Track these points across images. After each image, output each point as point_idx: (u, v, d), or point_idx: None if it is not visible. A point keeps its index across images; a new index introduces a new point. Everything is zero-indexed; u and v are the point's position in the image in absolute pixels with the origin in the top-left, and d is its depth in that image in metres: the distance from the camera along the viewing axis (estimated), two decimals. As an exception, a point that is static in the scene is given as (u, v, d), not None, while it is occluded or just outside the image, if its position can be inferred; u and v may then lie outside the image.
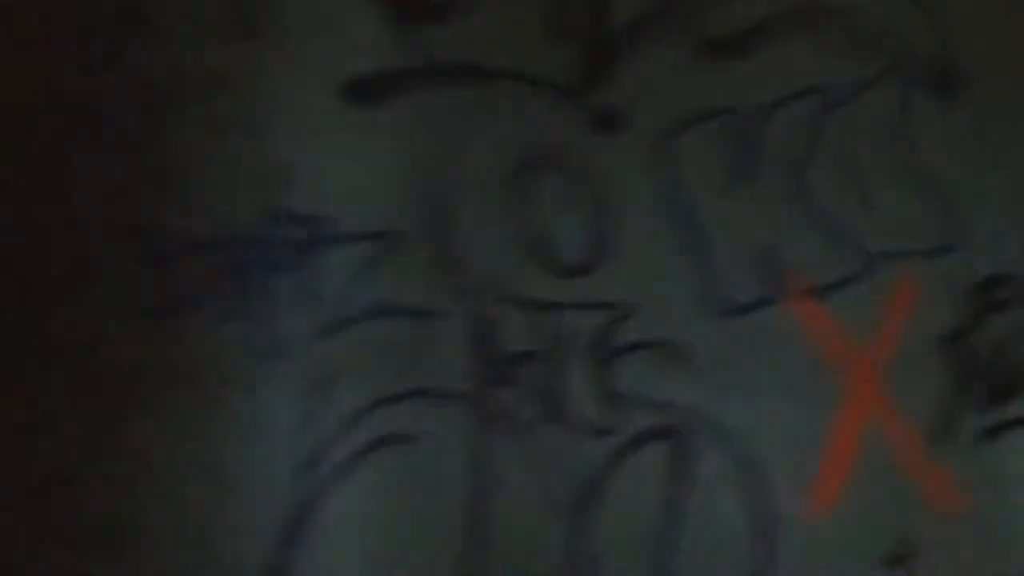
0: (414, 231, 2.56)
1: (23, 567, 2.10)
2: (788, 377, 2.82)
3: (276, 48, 2.51)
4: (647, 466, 2.66)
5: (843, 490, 2.86)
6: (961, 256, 3.04)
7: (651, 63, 2.72)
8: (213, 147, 2.44)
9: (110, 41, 2.40)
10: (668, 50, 2.73)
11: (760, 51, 2.80)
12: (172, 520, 2.32)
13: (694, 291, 2.74)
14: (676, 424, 2.69)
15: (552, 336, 2.61)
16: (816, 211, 2.88)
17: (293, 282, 2.48)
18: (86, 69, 2.38)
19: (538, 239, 2.63)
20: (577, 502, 2.60)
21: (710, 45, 2.76)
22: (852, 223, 2.92)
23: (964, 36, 3.04)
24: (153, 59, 2.42)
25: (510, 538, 2.54)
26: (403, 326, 2.53)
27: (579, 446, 2.60)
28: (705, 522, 2.70)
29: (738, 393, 2.76)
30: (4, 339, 2.15)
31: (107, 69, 2.39)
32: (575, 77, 2.69)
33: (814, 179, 2.87)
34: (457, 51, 2.62)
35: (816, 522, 2.83)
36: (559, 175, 2.64)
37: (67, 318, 2.27)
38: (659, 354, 2.69)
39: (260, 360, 2.42)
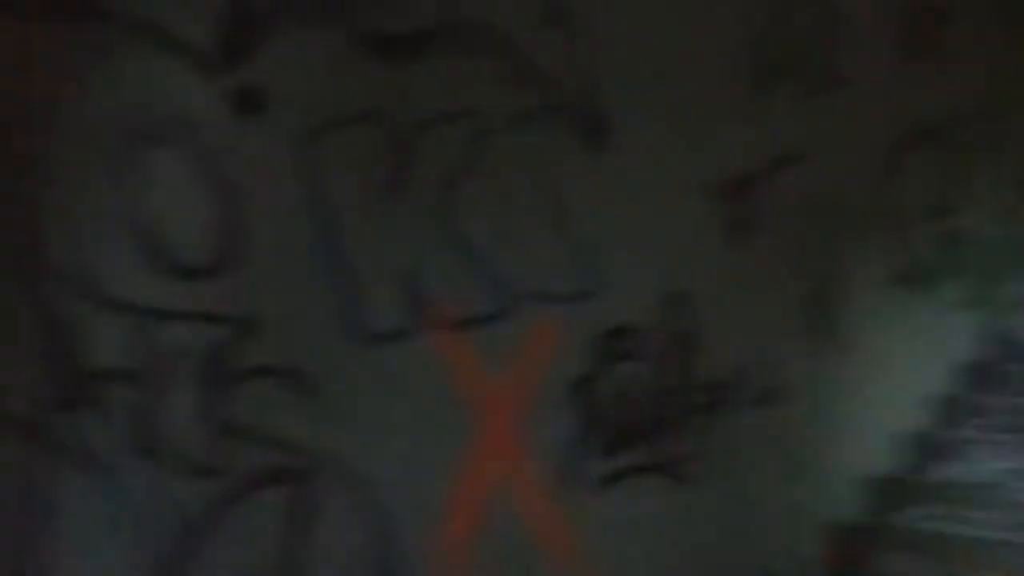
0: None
1: None
2: (424, 415, 2.58)
3: None
4: (261, 513, 2.23)
5: (472, 532, 2.66)
6: (597, 303, 3.06)
7: (300, 47, 2.37)
8: None
9: None
10: (321, 35, 2.41)
11: (426, 58, 2.60)
12: None
13: (331, 312, 2.41)
14: (298, 464, 2.31)
15: (153, 350, 2.10)
16: (464, 241, 2.72)
17: None
18: None
19: (147, 226, 2.11)
20: (170, 557, 2.08)
21: (373, 40, 2.49)
22: (499, 259, 2.80)
23: (612, 84, 3.12)
24: None
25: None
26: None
27: (177, 488, 2.10)
28: (329, 570, 2.34)
29: (370, 430, 2.45)
30: None
31: None
32: (212, 49, 2.26)
33: (464, 208, 2.71)
34: None
35: (445, 563, 2.59)
36: (187, 153, 2.17)
37: None
38: (285, 382, 2.30)
39: None
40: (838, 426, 4.07)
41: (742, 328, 3.60)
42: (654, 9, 3.25)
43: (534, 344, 2.88)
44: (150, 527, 2.05)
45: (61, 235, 1.99)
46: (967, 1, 5.09)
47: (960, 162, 4.96)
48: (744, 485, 3.56)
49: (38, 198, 1.97)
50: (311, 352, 2.34)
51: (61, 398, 1.97)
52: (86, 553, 1.98)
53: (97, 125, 2.06)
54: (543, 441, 2.89)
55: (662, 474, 3.28)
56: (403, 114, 2.57)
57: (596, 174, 3.09)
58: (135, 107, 2.11)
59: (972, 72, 5.06)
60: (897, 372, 4.47)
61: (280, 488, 2.27)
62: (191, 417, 2.13)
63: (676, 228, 3.38)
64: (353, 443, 2.41)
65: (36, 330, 1.97)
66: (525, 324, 2.86)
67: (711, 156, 3.53)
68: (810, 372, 3.90)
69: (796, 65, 3.94)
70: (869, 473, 4.28)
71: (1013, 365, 5.07)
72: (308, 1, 2.40)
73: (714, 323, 3.46)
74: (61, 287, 1.99)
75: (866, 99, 4.36)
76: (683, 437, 3.36)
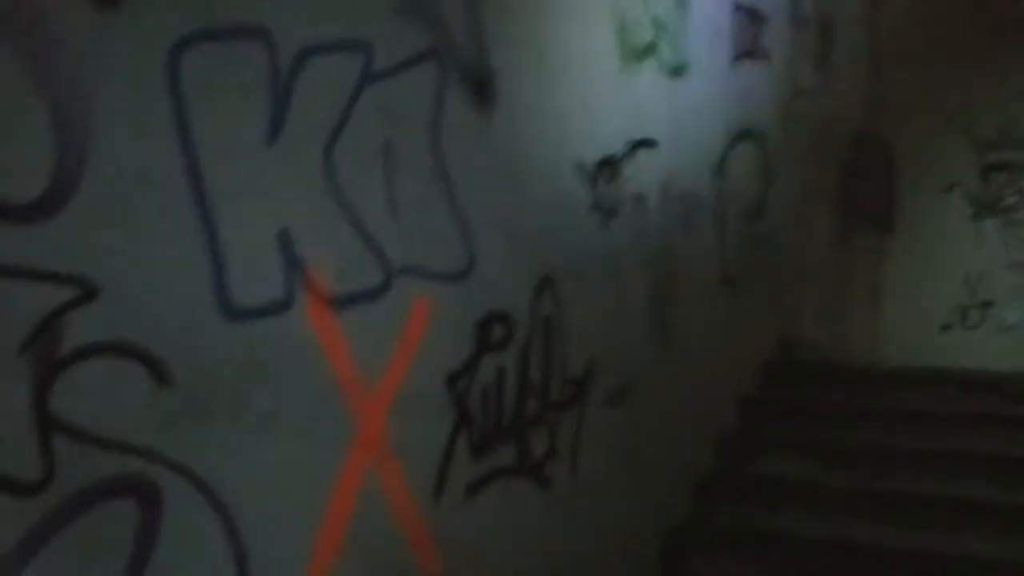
0: None
1: None
2: (295, 409, 2.09)
3: None
4: (94, 537, 1.65)
5: (339, 552, 2.21)
6: (473, 285, 2.70)
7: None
8: None
9: None
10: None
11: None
12: None
13: (189, 276, 1.85)
14: (142, 474, 1.74)
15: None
16: (342, 200, 2.25)
17: None
18: None
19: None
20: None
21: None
22: (377, 225, 2.35)
23: (499, 39, 2.77)
24: None
25: None
26: None
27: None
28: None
29: (233, 429, 1.93)
30: None
31: None
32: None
33: (342, 161, 2.24)
34: None
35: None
36: (23, 46, 1.54)
37: None
38: (125, 365, 1.73)
39: None
40: (672, 425, 4.00)
41: (598, 322, 3.39)
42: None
43: (410, 328, 2.47)
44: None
45: None
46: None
47: (771, 165, 5.12)
48: (593, 489, 3.35)
49: None
50: (163, 330, 1.78)
51: None
52: None
53: None
54: (416, 443, 2.49)
55: (526, 478, 2.99)
56: (288, 35, 2.05)
57: (481, 138, 2.73)
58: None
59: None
60: (718, 371, 4.51)
61: (119, 505, 1.70)
62: (3, 413, 1.52)
63: (549, 208, 3.10)
64: (211, 445, 1.87)
65: None
66: (402, 304, 2.44)
67: (585, 135, 3.29)
68: (651, 370, 3.78)
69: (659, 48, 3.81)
70: (697, 472, 4.27)
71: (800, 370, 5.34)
72: None
73: (575, 314, 3.22)
74: None
75: (711, 90, 4.35)
76: (543, 437, 3.09)
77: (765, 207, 5.04)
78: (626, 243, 3.56)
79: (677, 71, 4.00)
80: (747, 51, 4.81)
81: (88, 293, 1.63)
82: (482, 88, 2.72)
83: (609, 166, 3.45)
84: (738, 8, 4.68)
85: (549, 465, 3.09)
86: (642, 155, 3.69)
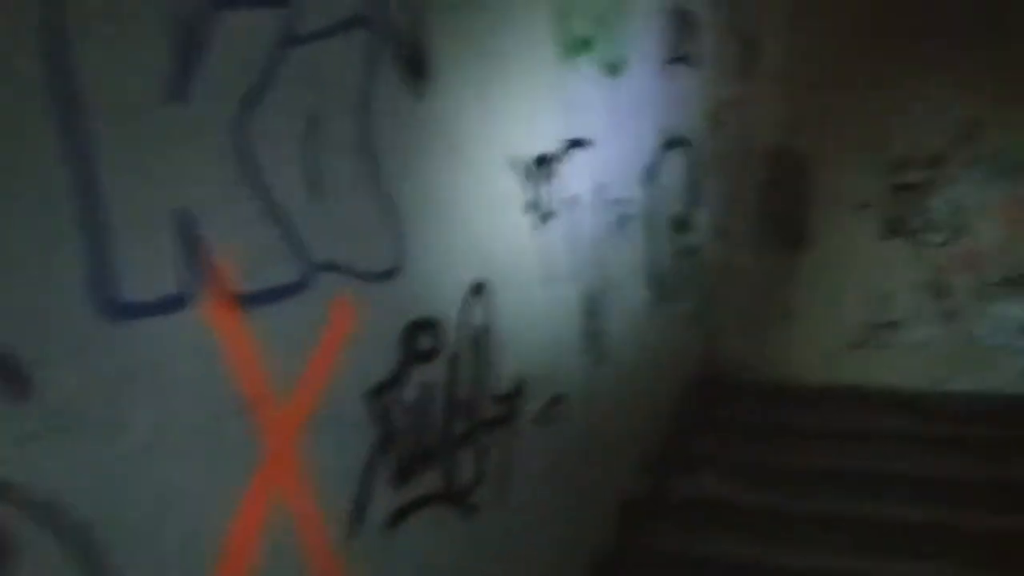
0: None
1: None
2: (188, 426, 1.72)
3: None
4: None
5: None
6: (403, 287, 2.39)
7: None
8: None
9: None
10: None
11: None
12: None
13: (65, 264, 1.48)
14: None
15: None
16: (255, 180, 1.90)
17: None
18: None
19: None
20: None
21: None
22: (296, 211, 2.01)
23: (434, 15, 2.47)
24: None
25: None
26: None
27: None
28: None
29: (112, 450, 1.56)
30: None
31: None
32: None
33: (258, 132, 1.90)
34: None
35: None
36: None
37: None
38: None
39: None
40: (603, 443, 3.76)
41: (531, 332, 3.11)
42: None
43: (330, 334, 2.13)
44: None
45: None
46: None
47: (699, 176, 4.97)
48: (523, 515, 3.06)
49: None
50: (20, 325, 1.41)
51: None
52: None
53: None
54: (332, 467, 2.15)
55: (451, 505, 2.67)
56: (195, -23, 1.71)
57: (414, 123, 2.42)
58: None
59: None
60: (647, 386, 4.30)
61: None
62: None
63: (484, 206, 2.81)
64: (80, 470, 1.50)
65: None
66: (322, 305, 2.11)
67: (521, 129, 3.02)
68: (584, 385, 3.53)
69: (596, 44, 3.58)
70: (625, 492, 4.04)
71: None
72: None
73: (508, 324, 2.93)
74: None
75: (646, 93, 4.16)
76: (471, 459, 2.78)
77: (692, 218, 4.88)
78: (561, 248, 3.30)
79: (614, 69, 3.78)
80: (679, 56, 4.65)
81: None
82: (417, 66, 2.41)
83: (546, 164, 3.18)
84: (672, 10, 4.51)
85: (477, 491, 2.78)
86: (577, 155, 3.44)
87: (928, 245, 7.10)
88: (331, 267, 2.11)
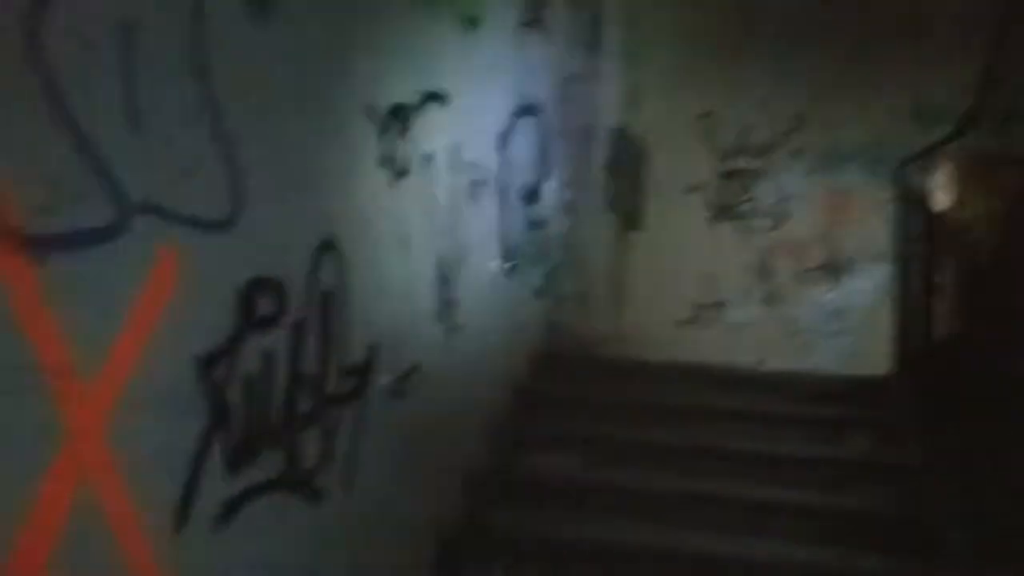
0: None
1: None
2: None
3: None
4: None
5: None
6: (237, 240, 2.03)
7: None
8: None
9: None
10: None
11: None
12: None
13: None
14: None
15: None
16: (55, 92, 1.51)
17: None
18: None
19: None
20: None
21: None
22: (109, 137, 1.63)
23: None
24: None
25: None
26: None
27: None
28: None
29: None
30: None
31: None
32: None
33: (59, 34, 1.51)
34: None
35: None
36: None
37: None
38: None
39: None
40: (453, 417, 3.52)
41: (384, 297, 2.82)
42: None
43: (150, 291, 1.76)
44: None
45: None
46: None
47: (549, 147, 4.82)
48: (371, 497, 2.77)
49: None
50: None
51: None
52: None
53: None
54: (153, 450, 1.79)
55: (294, 491, 2.35)
56: None
57: (257, 51, 2.07)
58: None
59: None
60: (495, 358, 4.10)
61: None
62: None
63: (335, 154, 2.49)
64: None
65: None
66: (141, 256, 1.73)
67: (375, 75, 2.71)
68: (436, 355, 3.28)
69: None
70: (471, 468, 3.81)
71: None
72: None
73: (359, 287, 2.63)
74: None
75: (501, 53, 3.93)
76: (316, 440, 2.46)
77: (541, 190, 4.72)
78: (416, 207, 3.02)
79: (471, 22, 3.52)
80: (531, 19, 4.46)
81: None
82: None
83: (401, 116, 2.89)
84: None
85: (323, 474, 2.47)
86: (433, 110, 3.16)
87: (755, 230, 7.31)
88: (152, 209, 1.74)
